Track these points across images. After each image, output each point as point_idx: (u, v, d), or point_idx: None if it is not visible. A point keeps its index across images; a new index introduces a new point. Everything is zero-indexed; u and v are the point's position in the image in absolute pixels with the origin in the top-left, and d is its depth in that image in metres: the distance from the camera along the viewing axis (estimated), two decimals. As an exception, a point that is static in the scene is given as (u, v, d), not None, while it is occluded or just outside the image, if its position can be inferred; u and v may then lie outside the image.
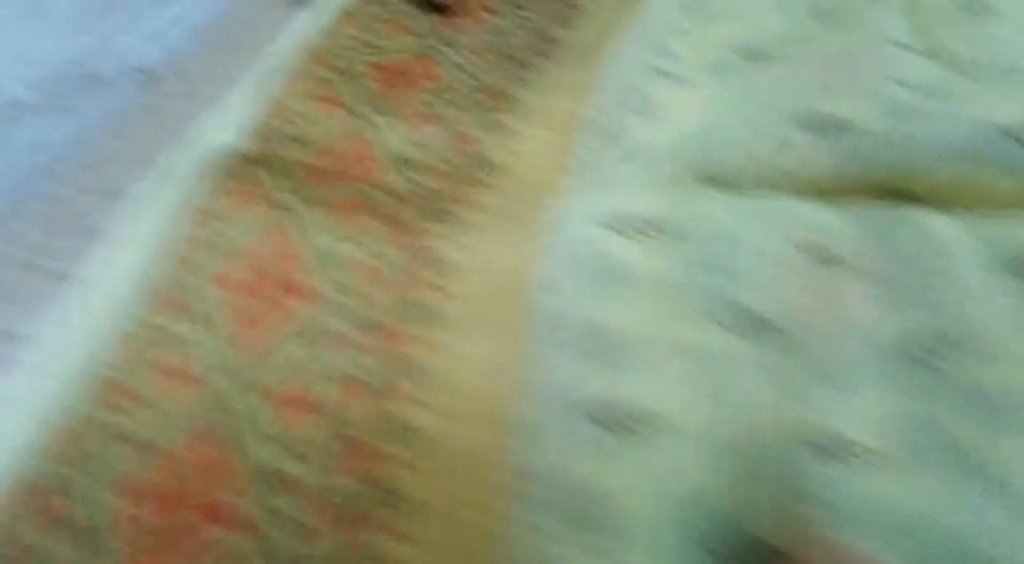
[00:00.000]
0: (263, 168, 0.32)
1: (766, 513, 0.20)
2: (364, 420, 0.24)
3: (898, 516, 0.19)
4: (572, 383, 0.24)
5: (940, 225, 0.24)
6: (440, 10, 0.39)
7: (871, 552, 0.18)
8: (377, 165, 0.32)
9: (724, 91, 0.32)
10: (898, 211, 0.25)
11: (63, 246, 0.30)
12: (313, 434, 0.23)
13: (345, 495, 0.22)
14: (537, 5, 0.40)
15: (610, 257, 0.26)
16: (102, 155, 0.34)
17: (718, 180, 0.29)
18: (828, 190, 0.27)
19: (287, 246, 0.29)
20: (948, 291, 0.23)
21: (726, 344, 0.23)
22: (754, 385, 0.22)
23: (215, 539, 0.22)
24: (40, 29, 0.42)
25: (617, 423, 0.23)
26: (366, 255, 0.28)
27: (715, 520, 0.20)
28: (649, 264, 0.26)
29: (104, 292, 0.28)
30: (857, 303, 0.23)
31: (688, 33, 0.36)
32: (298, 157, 0.33)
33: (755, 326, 0.23)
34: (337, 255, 0.28)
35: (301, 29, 0.41)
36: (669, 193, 0.29)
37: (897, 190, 0.26)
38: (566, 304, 0.26)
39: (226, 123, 0.35)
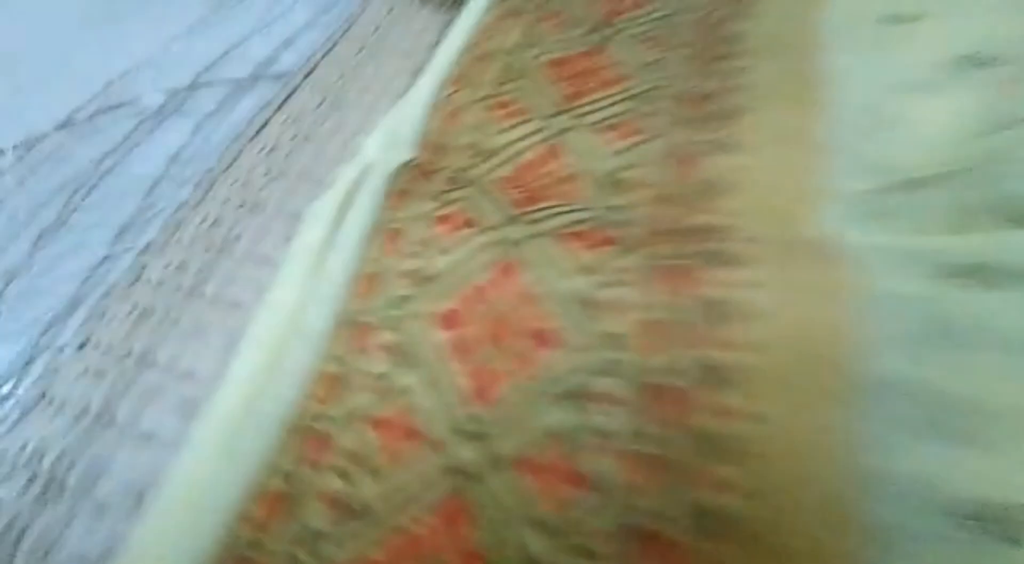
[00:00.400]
0: (457, 188, 0.27)
1: None
2: (660, 507, 0.17)
3: None
4: (923, 472, 0.18)
5: None
6: None
7: None
8: (583, 185, 0.26)
9: (962, 101, 0.27)
10: None
11: (224, 269, 0.27)
12: (593, 522, 0.18)
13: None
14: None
15: (941, 310, 0.20)
16: (243, 165, 0.31)
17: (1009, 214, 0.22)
18: None
19: (519, 282, 0.23)
20: None
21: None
22: None
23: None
24: (169, 34, 0.40)
25: (1000, 527, 0.17)
26: (632, 300, 0.22)
27: None
28: (994, 317, 0.20)
29: (287, 324, 0.24)
30: None
31: (907, 38, 0.30)
32: (491, 175, 0.27)
33: None
34: (590, 298, 0.22)
35: (451, 27, 0.37)
36: (982, 230, 0.23)
37: None
38: (895, 368, 0.19)
39: (395, 137, 0.30)
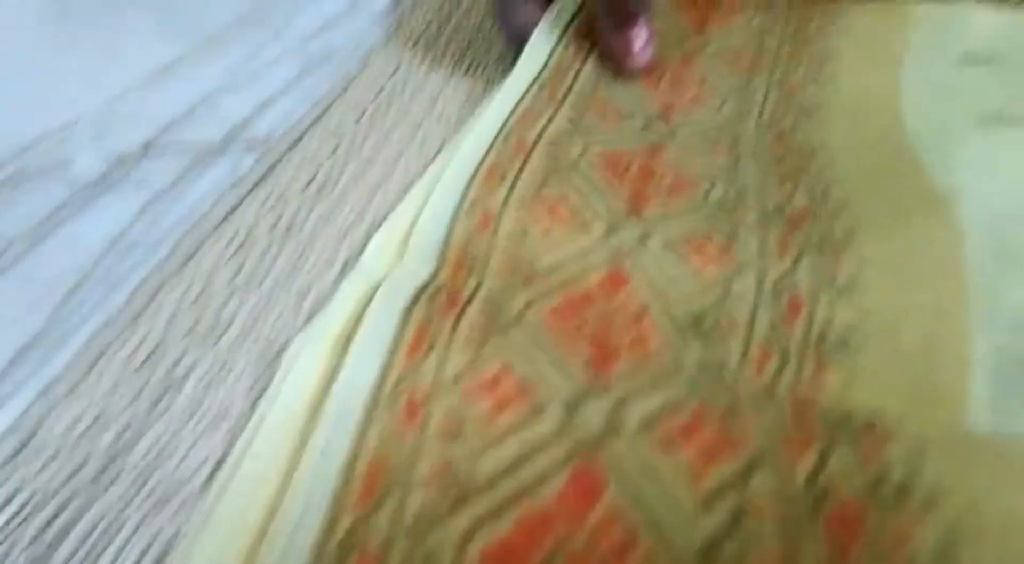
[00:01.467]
0: (495, 329, 0.19)
1: None
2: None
3: None
4: None
5: None
6: (627, 75, 0.30)
7: None
8: (660, 331, 0.20)
9: None
10: None
11: (158, 437, 0.18)
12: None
13: None
14: (746, 74, 0.30)
15: None
16: (202, 266, 0.24)
17: None
18: None
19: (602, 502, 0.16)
20: None
21: None
22: None
23: None
24: (120, 81, 0.32)
25: None
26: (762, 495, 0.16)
27: None
28: None
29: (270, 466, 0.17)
30: None
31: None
32: (538, 306, 0.20)
33: None
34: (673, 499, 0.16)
35: (470, 96, 0.31)
36: None
37: None
38: None
39: (406, 244, 0.23)
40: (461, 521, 0.15)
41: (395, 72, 0.36)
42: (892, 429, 0.17)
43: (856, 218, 0.23)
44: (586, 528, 0.15)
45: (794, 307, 0.21)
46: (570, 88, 0.30)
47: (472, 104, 0.33)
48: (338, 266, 0.24)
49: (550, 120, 0.28)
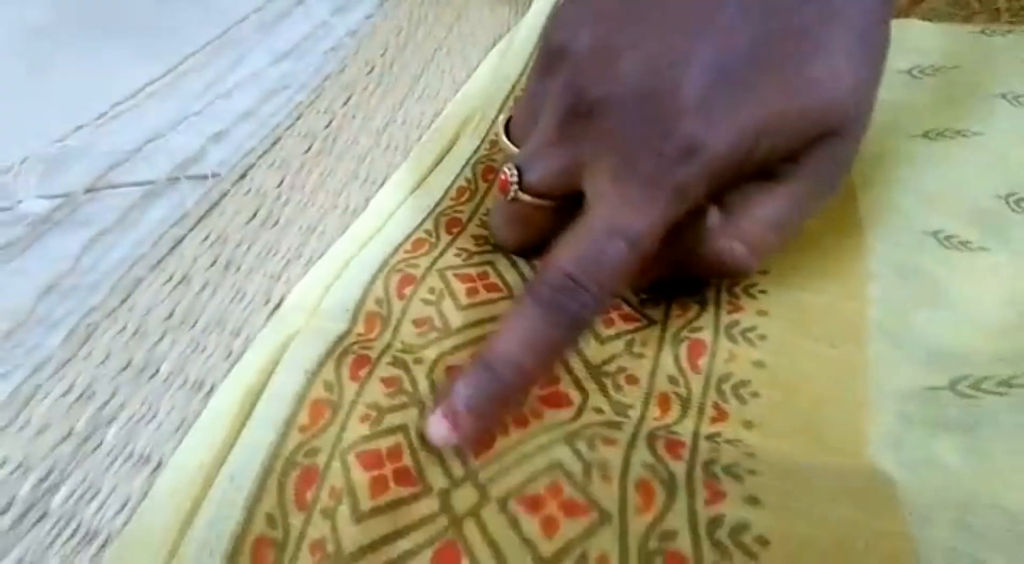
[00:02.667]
0: (404, 411, 0.19)
1: None
2: None
3: None
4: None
5: None
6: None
7: None
8: (567, 390, 0.20)
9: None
10: None
11: (85, 475, 0.19)
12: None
13: None
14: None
15: None
16: (137, 304, 0.24)
17: None
18: None
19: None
20: None
21: None
22: None
23: None
24: (69, 119, 0.32)
25: None
26: None
27: None
28: None
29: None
30: None
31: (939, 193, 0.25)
32: (455, 353, 0.21)
33: None
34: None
35: (418, 144, 0.32)
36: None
37: None
38: None
39: (325, 298, 0.23)
40: None
41: (347, 101, 0.37)
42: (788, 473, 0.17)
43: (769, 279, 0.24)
44: None
45: (695, 354, 0.21)
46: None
47: (420, 131, 0.34)
48: (272, 305, 0.25)
49: (482, 200, 0.29)
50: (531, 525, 0.16)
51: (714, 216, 0.20)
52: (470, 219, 0.27)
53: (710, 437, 0.18)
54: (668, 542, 0.15)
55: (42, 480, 0.19)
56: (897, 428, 0.19)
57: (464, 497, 0.17)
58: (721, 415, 0.19)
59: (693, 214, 0.19)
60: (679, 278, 0.22)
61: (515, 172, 0.21)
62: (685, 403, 0.20)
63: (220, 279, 0.26)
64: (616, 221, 0.18)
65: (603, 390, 0.20)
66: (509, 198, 0.21)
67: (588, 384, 0.20)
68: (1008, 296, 0.22)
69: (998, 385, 0.19)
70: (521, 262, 0.25)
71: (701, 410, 0.20)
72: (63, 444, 0.20)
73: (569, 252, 0.18)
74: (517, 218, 0.23)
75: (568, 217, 0.19)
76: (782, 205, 0.20)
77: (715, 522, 0.16)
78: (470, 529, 0.16)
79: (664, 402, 0.20)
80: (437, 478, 0.17)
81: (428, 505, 0.17)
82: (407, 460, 0.18)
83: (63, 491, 0.19)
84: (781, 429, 0.19)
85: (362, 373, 0.20)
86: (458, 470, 0.17)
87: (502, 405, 0.18)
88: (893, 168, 0.27)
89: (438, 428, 0.17)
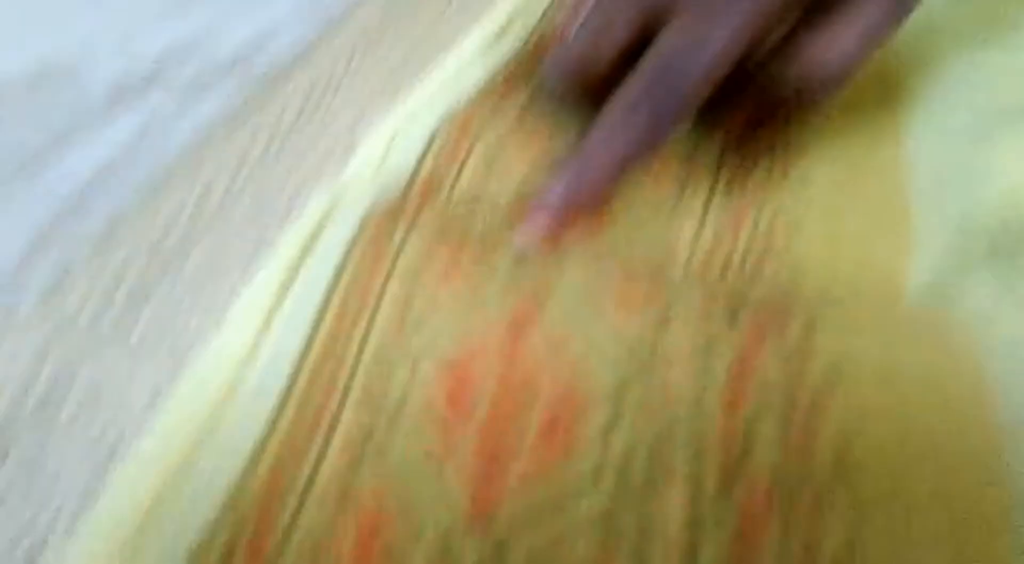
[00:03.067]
0: (456, 228, 0.20)
1: None
2: None
3: None
4: None
5: None
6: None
7: None
8: (620, 234, 0.21)
9: None
10: None
11: (162, 298, 0.21)
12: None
13: None
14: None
15: None
16: (201, 174, 0.26)
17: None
18: None
19: (539, 336, 0.16)
20: None
21: None
22: None
23: None
24: (127, 11, 0.33)
25: None
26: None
27: None
28: None
29: (228, 380, 0.17)
30: None
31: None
32: (502, 218, 0.21)
33: None
34: (642, 347, 0.16)
35: (461, 36, 0.31)
36: None
37: None
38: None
39: (382, 165, 0.24)
40: None
41: (389, 7, 0.37)
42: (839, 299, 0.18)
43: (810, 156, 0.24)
44: None
45: (741, 215, 0.22)
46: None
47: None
48: (324, 179, 0.26)
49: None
50: None
51: (798, 33, 0.21)
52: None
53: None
54: None
55: (134, 291, 0.21)
56: (937, 280, 0.20)
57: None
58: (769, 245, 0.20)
59: (774, 32, 0.20)
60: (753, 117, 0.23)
61: (581, 16, 0.22)
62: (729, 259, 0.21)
63: (276, 159, 0.27)
64: (697, 31, 0.18)
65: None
66: (572, 41, 0.22)
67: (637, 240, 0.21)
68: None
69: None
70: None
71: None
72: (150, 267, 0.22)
73: (651, 62, 0.19)
74: (579, 64, 0.23)
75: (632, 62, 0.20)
76: (865, 20, 0.20)
77: None
78: None
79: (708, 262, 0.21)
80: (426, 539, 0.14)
81: None
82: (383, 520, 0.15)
83: (146, 310, 0.21)
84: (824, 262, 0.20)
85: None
86: None
87: (588, 204, 0.20)
88: (938, 68, 0.27)
89: (529, 230, 0.19)
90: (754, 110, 0.23)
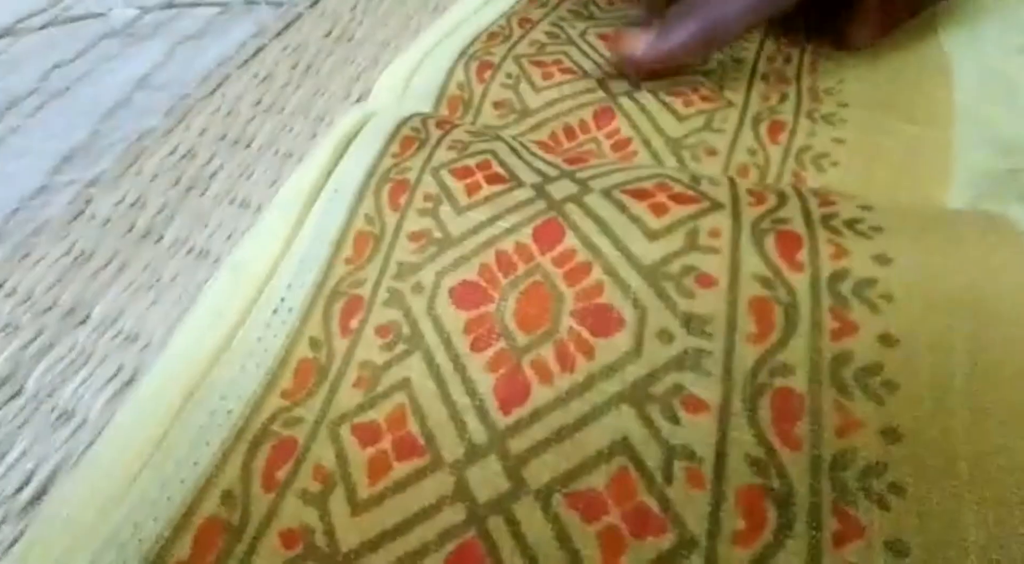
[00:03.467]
0: (482, 141, 0.20)
1: None
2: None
3: None
4: None
5: None
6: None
7: None
8: (639, 151, 0.21)
9: None
10: None
11: (192, 209, 0.21)
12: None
13: None
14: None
15: None
16: (229, 93, 0.26)
17: None
18: None
19: (563, 249, 0.16)
20: None
21: None
22: None
23: None
24: None
25: None
26: (725, 272, 0.15)
27: None
28: None
29: (253, 290, 0.17)
30: None
31: None
32: (527, 134, 0.22)
33: None
34: (666, 268, 0.15)
35: None
36: None
37: None
38: None
39: (409, 85, 0.24)
40: None
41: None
42: (872, 206, 0.17)
43: (851, 67, 0.24)
44: None
45: (773, 130, 0.21)
46: None
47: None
48: (352, 99, 0.26)
49: (555, 7, 0.28)
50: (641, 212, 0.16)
51: None
52: (541, 20, 0.27)
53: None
54: (781, 224, 0.16)
55: (157, 214, 0.21)
56: (976, 202, 0.19)
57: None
58: (799, 182, 0.20)
59: None
60: None
61: None
62: (763, 173, 0.20)
63: (302, 79, 0.27)
64: None
65: (681, 162, 0.21)
66: None
67: (666, 158, 0.21)
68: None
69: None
70: (593, 51, 0.25)
71: (779, 178, 0.20)
72: (174, 187, 0.22)
73: None
74: None
75: None
76: None
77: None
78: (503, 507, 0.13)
79: (743, 172, 0.20)
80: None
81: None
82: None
83: (176, 222, 0.21)
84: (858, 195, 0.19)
85: (431, 145, 0.20)
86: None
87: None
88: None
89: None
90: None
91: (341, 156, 0.20)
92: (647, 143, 0.22)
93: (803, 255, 0.15)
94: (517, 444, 0.13)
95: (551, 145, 0.21)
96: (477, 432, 0.13)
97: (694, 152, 0.21)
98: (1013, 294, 0.14)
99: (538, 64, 0.24)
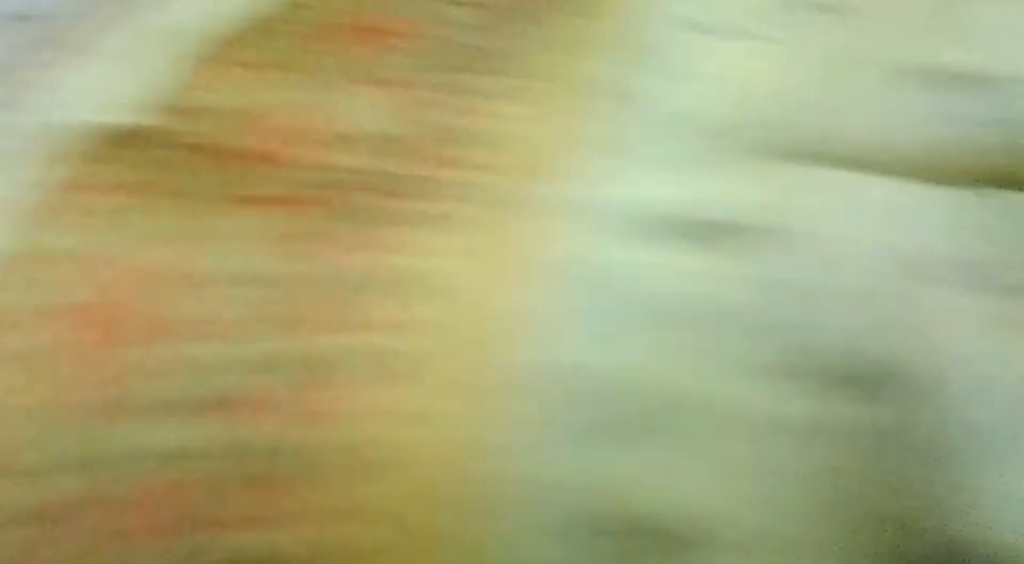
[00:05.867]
0: (151, 149, 0.19)
1: None
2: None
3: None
4: (576, 475, 0.15)
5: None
6: None
7: None
8: (321, 144, 0.20)
9: (793, 46, 0.22)
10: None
11: None
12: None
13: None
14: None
15: (640, 273, 0.17)
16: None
17: (819, 156, 0.18)
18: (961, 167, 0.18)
19: (173, 260, 0.16)
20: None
21: (820, 411, 0.15)
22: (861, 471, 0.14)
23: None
24: None
25: (650, 540, 0.14)
26: (245, 273, 0.16)
27: None
28: (702, 284, 0.17)
29: None
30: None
31: None
32: (207, 137, 0.20)
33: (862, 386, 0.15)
34: (245, 273, 0.16)
35: None
36: (734, 176, 0.18)
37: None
38: (568, 353, 0.16)
39: (103, 91, 0.23)
40: None
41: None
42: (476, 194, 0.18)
43: (539, 35, 0.22)
44: None
45: (428, 109, 0.21)
46: None
47: None
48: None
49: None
50: None
51: None
52: None
53: None
54: None
55: None
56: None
57: None
58: None
59: None
60: None
61: None
62: None
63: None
64: None
65: None
66: None
67: None
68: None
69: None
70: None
71: None
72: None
73: None
74: None
75: None
76: None
77: None
78: None
79: None
80: None
81: None
82: None
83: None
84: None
85: None
86: None
87: None
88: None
89: None
90: None
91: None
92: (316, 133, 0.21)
93: None
94: None
95: (242, 149, 0.21)
96: None
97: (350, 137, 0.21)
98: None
99: (245, 65, 0.23)
